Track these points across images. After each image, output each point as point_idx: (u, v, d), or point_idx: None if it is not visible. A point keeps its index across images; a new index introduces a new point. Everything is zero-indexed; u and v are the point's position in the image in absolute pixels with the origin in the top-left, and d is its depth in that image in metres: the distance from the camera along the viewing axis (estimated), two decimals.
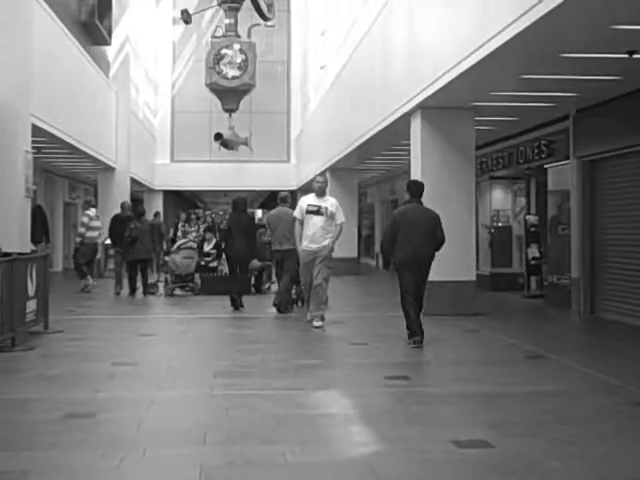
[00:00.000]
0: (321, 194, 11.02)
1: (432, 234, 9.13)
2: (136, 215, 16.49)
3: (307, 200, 11.02)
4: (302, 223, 10.86)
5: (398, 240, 8.97)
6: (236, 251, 13.26)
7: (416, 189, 9.41)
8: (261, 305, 13.95)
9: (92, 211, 17.38)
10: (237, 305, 13.22)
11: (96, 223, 17.16)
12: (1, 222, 11.08)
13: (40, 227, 16.33)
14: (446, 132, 12.48)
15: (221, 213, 26.06)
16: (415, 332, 9.00)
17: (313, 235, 10.75)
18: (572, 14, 7.29)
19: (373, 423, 5.59)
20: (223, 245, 14.41)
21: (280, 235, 12.43)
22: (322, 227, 10.79)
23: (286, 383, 7.08)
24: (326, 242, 10.76)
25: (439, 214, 9.47)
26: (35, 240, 14.50)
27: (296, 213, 11.06)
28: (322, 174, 11.40)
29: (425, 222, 9.11)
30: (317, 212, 10.78)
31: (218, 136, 28.11)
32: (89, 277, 16.47)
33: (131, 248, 15.79)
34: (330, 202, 10.99)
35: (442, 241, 9.28)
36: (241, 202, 13.72)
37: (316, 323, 10.78)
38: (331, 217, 10.84)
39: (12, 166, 11.67)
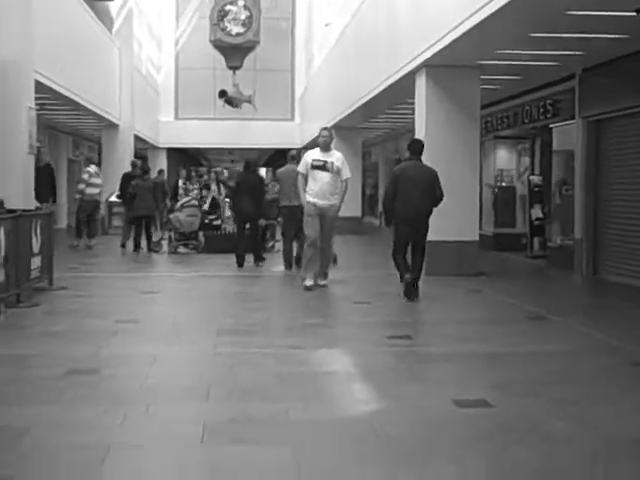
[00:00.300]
0: (326, 148, 10.50)
1: (430, 191, 9.49)
2: (140, 172, 16.62)
3: (312, 155, 10.51)
4: (306, 178, 10.45)
5: (397, 196, 9.46)
6: (244, 210, 13.49)
7: (416, 147, 9.83)
8: (265, 263, 13.93)
9: (92, 168, 17.35)
10: (242, 263, 13.35)
11: (96, 180, 17.11)
12: (5, 179, 11.03)
13: (47, 186, 16.03)
14: (451, 91, 12.38)
15: (219, 170, 25.88)
16: (403, 273, 9.53)
17: (320, 191, 10.28)
18: None
19: (375, 381, 5.61)
20: (230, 203, 15.12)
21: (288, 191, 12.44)
22: (328, 183, 10.31)
23: (289, 341, 7.10)
24: (334, 201, 10.37)
25: (442, 172, 9.91)
26: (42, 199, 14.41)
27: (300, 167, 10.64)
28: (327, 128, 10.73)
29: (423, 179, 9.52)
30: (323, 167, 10.28)
31: (222, 93, 27.95)
32: (80, 239, 16.54)
33: (131, 205, 16.04)
34: (336, 157, 10.43)
35: (440, 197, 9.61)
36: (252, 163, 14.59)
37: (322, 282, 10.64)
38: (337, 172, 10.36)
39: (15, 122, 11.58)
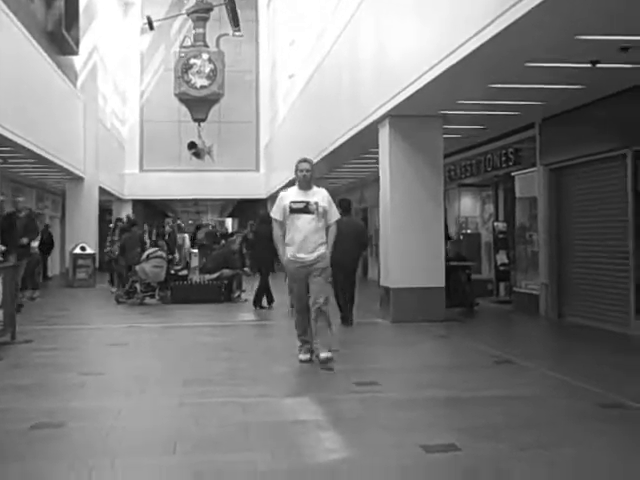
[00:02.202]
0: (307, 186, 8.47)
1: (359, 241, 11.88)
2: (128, 225, 18.70)
3: (289, 195, 8.46)
4: (283, 226, 8.43)
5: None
6: (263, 258, 14.60)
7: (346, 205, 11.85)
8: (231, 313, 13.88)
9: None
10: (261, 304, 14.81)
11: None
12: None
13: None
14: (414, 140, 12.54)
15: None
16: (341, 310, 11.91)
17: (303, 241, 8.26)
18: (536, 24, 7.38)
19: (343, 429, 5.58)
20: (244, 251, 18.08)
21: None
22: (314, 229, 8.29)
23: (256, 390, 7.05)
24: (322, 250, 8.33)
25: (407, 220, 12.29)
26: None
27: (274, 213, 8.51)
28: (307, 160, 8.63)
29: (352, 231, 11.39)
30: (305, 209, 8.29)
31: (192, 145, 28.12)
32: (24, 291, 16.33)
33: (124, 256, 17.69)
34: (320, 195, 8.45)
35: (365, 245, 12.63)
36: (267, 215, 15.03)
37: (323, 354, 8.30)
38: (323, 215, 8.34)
39: None
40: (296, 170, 8.52)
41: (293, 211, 8.31)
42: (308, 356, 8.49)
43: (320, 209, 8.32)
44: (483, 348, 9.54)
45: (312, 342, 8.57)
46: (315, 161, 19.10)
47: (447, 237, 13.96)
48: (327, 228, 8.43)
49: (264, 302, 14.88)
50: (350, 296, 12.04)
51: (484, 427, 5.61)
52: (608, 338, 10.59)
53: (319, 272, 8.33)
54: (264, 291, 14.87)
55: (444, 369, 8.26)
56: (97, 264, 22.26)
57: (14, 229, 13.97)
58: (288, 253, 8.34)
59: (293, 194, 8.47)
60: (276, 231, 8.49)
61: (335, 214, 8.56)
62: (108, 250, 19.93)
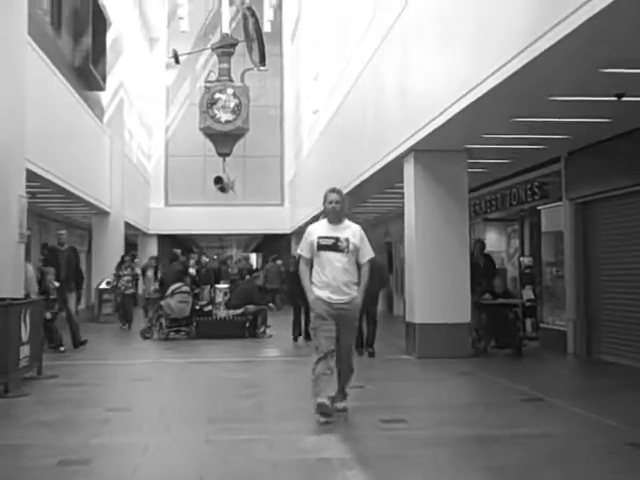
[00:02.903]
0: (337, 219, 7.56)
1: (377, 277, 11.45)
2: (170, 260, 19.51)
3: (317, 230, 7.58)
4: (309, 263, 7.58)
5: None
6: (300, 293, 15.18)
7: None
8: (255, 349, 13.90)
9: None
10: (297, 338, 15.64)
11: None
12: None
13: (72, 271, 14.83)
14: (439, 175, 12.59)
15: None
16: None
17: (332, 281, 7.37)
18: (560, 58, 7.42)
19: (369, 467, 5.58)
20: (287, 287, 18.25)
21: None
22: (344, 269, 7.41)
23: (282, 427, 7.07)
24: (354, 293, 7.43)
25: (432, 255, 12.47)
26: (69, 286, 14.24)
27: (302, 249, 7.64)
28: (337, 190, 7.73)
29: (373, 268, 10.17)
30: (334, 247, 7.41)
31: (218, 180, 28.29)
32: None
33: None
34: (352, 230, 7.54)
35: (384, 282, 13.79)
36: None
37: (339, 404, 7.64)
38: (354, 253, 7.46)
39: (6, 211, 11.71)
40: (324, 201, 7.60)
41: (321, 248, 7.40)
42: (327, 401, 7.17)
43: (351, 246, 7.39)
44: (510, 385, 9.49)
45: (332, 389, 7.46)
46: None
47: (494, 273, 13.92)
48: (359, 268, 7.49)
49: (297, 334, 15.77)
50: (372, 330, 12.85)
51: (511, 466, 5.58)
52: (638, 376, 10.49)
53: (349, 319, 7.47)
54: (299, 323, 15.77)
55: (471, 406, 8.23)
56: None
57: (57, 264, 13.99)
58: (317, 292, 7.39)
59: (322, 229, 7.54)
60: (302, 268, 7.59)
61: (368, 252, 7.56)
62: (113, 284, 20.15)
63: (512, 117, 10.26)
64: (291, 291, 16.46)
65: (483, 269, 13.57)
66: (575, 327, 12.86)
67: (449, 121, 10.40)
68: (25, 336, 9.84)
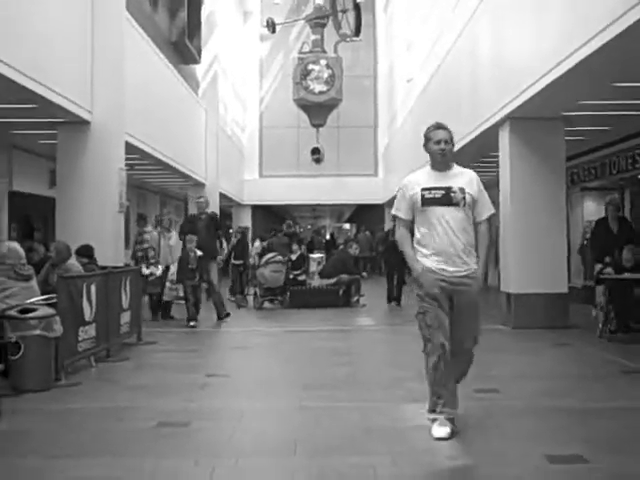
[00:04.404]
0: (445, 165, 5.71)
1: None
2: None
3: (419, 180, 5.71)
4: (409, 225, 5.74)
5: None
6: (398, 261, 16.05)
7: None
8: (349, 317, 13.95)
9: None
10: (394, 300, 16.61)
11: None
12: (97, 237, 11.41)
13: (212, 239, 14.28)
14: (535, 143, 12.31)
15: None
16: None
17: (449, 246, 5.50)
18: None
19: (464, 436, 5.53)
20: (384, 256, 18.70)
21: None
22: (462, 229, 5.53)
23: (376, 395, 7.08)
24: (472, 264, 5.56)
25: (528, 225, 12.01)
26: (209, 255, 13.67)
27: (398, 209, 5.74)
28: (442, 127, 5.97)
29: None
30: (446, 200, 5.53)
31: (315, 150, 28.36)
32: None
33: None
34: (466, 177, 5.68)
35: None
36: None
37: (438, 430, 5.47)
38: (471, 206, 5.59)
39: (107, 183, 12.05)
40: (427, 142, 5.82)
41: (427, 202, 5.55)
42: (448, 430, 5.43)
43: (468, 198, 5.54)
44: (609, 357, 9.26)
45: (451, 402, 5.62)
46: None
47: (632, 240, 11.39)
48: (476, 228, 5.69)
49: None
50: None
51: (610, 439, 5.46)
52: None
53: (470, 299, 5.59)
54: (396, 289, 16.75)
55: (567, 378, 8.07)
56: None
57: (196, 232, 13.49)
58: (423, 261, 5.56)
59: (425, 178, 5.70)
60: (402, 233, 5.74)
61: (488, 206, 5.72)
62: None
63: (612, 82, 9.92)
64: (387, 260, 17.36)
65: (617, 235, 11.57)
66: None
67: (544, 88, 10.13)
68: (125, 303, 10.12)
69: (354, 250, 17.79)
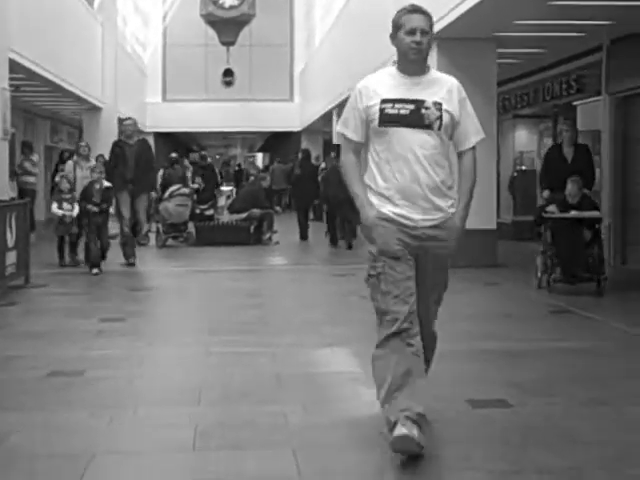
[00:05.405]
0: (419, 67, 4.40)
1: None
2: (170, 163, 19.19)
3: (379, 87, 4.39)
4: (360, 150, 4.51)
5: None
6: (307, 195, 17.59)
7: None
8: (261, 256, 13.99)
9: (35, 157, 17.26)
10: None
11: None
12: None
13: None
14: (465, 66, 12.34)
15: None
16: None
17: (413, 183, 4.30)
18: None
19: None
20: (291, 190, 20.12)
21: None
22: (434, 161, 4.35)
23: (287, 340, 7.15)
24: (447, 207, 4.49)
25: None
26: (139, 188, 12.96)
27: (346, 124, 4.48)
28: (418, 10, 4.45)
29: None
30: (415, 119, 4.29)
31: (228, 72, 27.95)
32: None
33: None
34: (444, 87, 4.42)
35: None
36: (309, 153, 19.79)
37: (402, 430, 4.00)
38: (449, 129, 4.40)
39: None
40: (396, 31, 4.42)
41: (388, 120, 4.30)
42: (415, 433, 4.02)
43: (445, 118, 4.33)
44: (537, 296, 9.53)
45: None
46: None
47: (587, 171, 10.47)
48: (459, 158, 4.64)
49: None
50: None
51: (540, 381, 5.65)
52: None
53: (441, 257, 4.67)
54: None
55: (495, 318, 8.27)
56: None
57: (124, 159, 12.65)
58: (378, 206, 4.35)
59: (388, 84, 4.40)
60: (348, 161, 4.47)
61: (475, 128, 4.66)
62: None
63: (548, 0, 10.02)
64: (297, 194, 18.20)
65: (570, 165, 10.44)
66: (610, 233, 12.81)
67: (476, 5, 10.16)
68: (11, 241, 9.91)
69: (266, 182, 17.83)
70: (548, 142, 17.29)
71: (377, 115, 4.30)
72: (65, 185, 12.54)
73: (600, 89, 13.15)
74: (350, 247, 15.15)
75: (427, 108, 4.28)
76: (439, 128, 4.30)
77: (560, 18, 11.12)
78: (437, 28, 11.62)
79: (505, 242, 14.59)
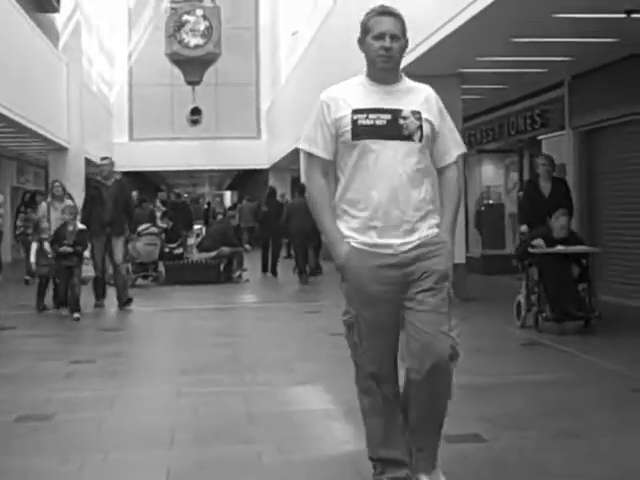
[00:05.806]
0: (391, 74, 4.00)
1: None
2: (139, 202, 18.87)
3: (349, 96, 3.93)
4: (329, 169, 3.99)
5: None
6: (273, 232, 17.64)
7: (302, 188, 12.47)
8: (231, 295, 13.94)
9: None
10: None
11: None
12: None
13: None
14: None
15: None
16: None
17: (390, 203, 3.79)
18: None
19: (356, 419, 5.61)
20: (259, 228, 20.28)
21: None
22: (412, 177, 3.83)
23: (258, 378, 7.11)
24: (428, 229, 3.89)
25: None
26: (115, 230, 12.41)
27: (311, 142, 4.01)
28: (389, 12, 4.05)
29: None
30: (392, 130, 3.83)
31: (196, 111, 27.97)
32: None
33: None
34: (421, 95, 4.01)
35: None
36: (275, 190, 20.34)
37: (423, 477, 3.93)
38: (429, 142, 3.91)
39: None
40: (364, 36, 3.98)
41: (362, 133, 3.84)
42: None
43: (426, 128, 3.88)
44: (507, 329, 9.56)
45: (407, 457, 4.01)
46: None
47: (567, 205, 9.98)
48: (440, 174, 4.04)
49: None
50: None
51: (511, 415, 5.65)
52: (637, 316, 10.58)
53: (434, 284, 3.85)
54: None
55: (466, 353, 8.27)
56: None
57: (102, 201, 12.19)
58: (349, 232, 3.88)
59: (358, 94, 3.95)
60: (316, 185, 3.95)
61: (456, 141, 4.09)
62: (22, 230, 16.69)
63: (510, 37, 10.15)
64: (263, 231, 18.64)
65: (548, 200, 10.10)
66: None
67: (440, 43, 10.27)
68: None
69: (235, 220, 17.88)
70: (514, 176, 17.49)
71: (349, 127, 3.83)
72: (45, 224, 12.24)
73: (564, 123, 13.32)
74: (313, 274, 16.14)
75: (405, 118, 3.84)
76: (420, 139, 3.83)
77: (522, 55, 11.27)
78: (402, 65, 11.81)
79: (475, 276, 14.66)
